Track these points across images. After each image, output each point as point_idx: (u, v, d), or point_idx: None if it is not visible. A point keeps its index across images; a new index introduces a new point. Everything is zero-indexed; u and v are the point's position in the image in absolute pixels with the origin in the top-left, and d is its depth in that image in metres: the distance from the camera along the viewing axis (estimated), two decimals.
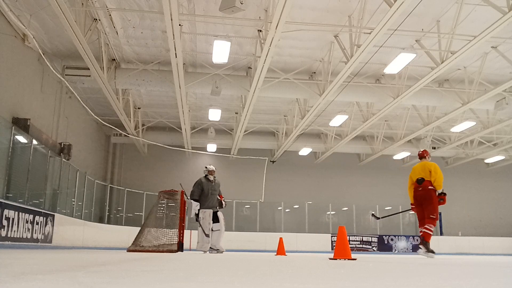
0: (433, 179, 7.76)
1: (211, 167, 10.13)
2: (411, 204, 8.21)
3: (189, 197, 9.80)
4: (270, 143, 21.11)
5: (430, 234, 7.70)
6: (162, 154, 20.74)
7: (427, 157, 8.21)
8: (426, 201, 7.84)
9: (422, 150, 8.41)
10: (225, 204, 10.20)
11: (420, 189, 7.89)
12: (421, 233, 7.76)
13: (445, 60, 11.42)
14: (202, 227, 9.60)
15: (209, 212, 9.74)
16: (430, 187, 7.83)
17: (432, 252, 7.65)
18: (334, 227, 20.93)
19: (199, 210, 9.67)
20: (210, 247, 9.66)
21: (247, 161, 20.04)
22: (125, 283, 1.51)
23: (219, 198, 10.06)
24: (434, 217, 7.73)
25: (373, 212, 11.21)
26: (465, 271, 3.08)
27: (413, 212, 8.29)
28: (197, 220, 9.73)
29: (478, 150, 21.31)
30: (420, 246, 7.67)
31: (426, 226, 7.72)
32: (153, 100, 17.58)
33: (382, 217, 10.98)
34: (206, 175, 10.00)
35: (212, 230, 9.69)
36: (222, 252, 9.70)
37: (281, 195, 21.67)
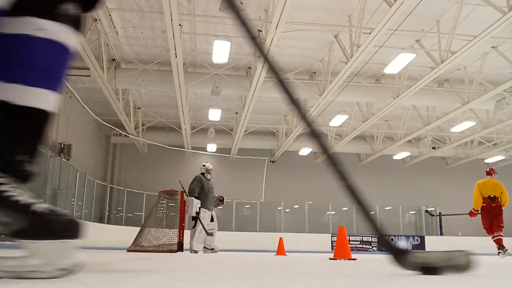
0: (504, 201, 9.45)
1: (210, 166, 9.95)
2: (475, 210, 9.75)
3: (188, 195, 9.63)
4: (270, 143, 21.11)
5: (502, 239, 9.43)
6: (162, 154, 20.73)
7: (493, 174, 9.75)
8: (497, 214, 9.54)
9: (490, 168, 10.00)
10: (222, 200, 10.03)
11: (494, 205, 9.51)
12: (496, 240, 9.39)
13: (445, 60, 11.42)
14: (202, 226, 9.49)
15: (209, 213, 9.61)
16: (499, 203, 9.58)
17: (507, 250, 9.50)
18: (334, 227, 20.92)
19: (200, 208, 9.53)
20: (205, 247, 9.60)
21: (247, 161, 20.05)
22: (125, 283, 1.51)
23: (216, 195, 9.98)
24: (503, 225, 9.51)
25: (428, 209, 12.11)
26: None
27: (470, 216, 10.01)
28: (196, 218, 9.48)
29: (478, 150, 21.31)
30: (500, 250, 9.28)
31: (500, 233, 9.44)
32: (153, 100, 17.58)
33: (437, 215, 12.14)
34: (203, 173, 9.86)
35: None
36: (216, 251, 9.63)
37: (281, 195, 21.68)
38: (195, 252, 9.44)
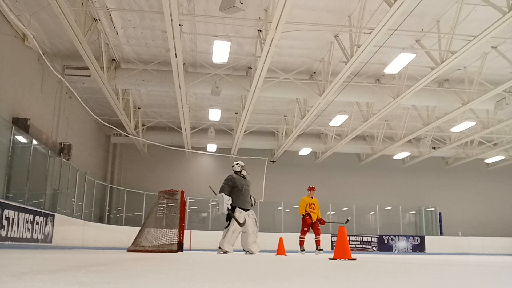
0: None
1: (241, 163, 9.61)
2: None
3: (218, 193, 9.17)
4: (270, 143, 21.10)
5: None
6: (162, 154, 20.73)
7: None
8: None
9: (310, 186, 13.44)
10: (255, 202, 9.62)
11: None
12: (319, 241, 12.63)
13: (445, 60, 11.41)
14: (237, 221, 8.94)
15: (244, 214, 9.20)
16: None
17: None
18: (334, 227, 20.91)
19: (235, 208, 9.07)
20: (244, 250, 9.30)
21: (247, 161, 19.84)
22: (125, 283, 1.51)
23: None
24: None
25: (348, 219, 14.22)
26: (465, 271, 3.08)
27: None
28: (230, 216, 9.00)
29: (478, 150, 21.31)
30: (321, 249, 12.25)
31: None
32: (153, 100, 17.57)
33: (345, 223, 13.42)
34: (235, 171, 9.50)
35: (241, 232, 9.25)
36: (254, 253, 9.22)
37: (281, 195, 21.66)
38: (225, 252, 9.13)
